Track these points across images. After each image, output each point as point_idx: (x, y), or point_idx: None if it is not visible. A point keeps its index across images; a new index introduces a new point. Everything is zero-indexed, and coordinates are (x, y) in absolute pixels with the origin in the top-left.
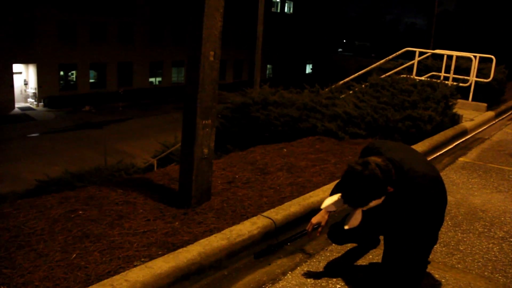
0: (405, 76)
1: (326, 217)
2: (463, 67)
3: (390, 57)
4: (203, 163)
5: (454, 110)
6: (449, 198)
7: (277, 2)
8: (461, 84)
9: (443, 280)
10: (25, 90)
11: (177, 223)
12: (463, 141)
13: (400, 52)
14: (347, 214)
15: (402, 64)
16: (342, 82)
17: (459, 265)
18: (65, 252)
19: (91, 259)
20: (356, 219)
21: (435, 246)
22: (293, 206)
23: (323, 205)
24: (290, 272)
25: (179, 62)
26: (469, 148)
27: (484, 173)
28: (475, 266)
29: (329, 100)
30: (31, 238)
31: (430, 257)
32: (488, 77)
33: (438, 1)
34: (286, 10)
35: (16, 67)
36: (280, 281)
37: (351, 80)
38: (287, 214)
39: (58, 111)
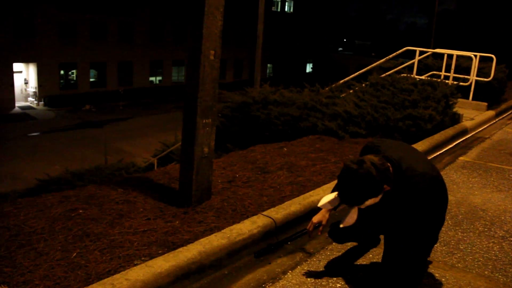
0: (405, 75)
1: (327, 216)
2: (463, 66)
3: (391, 56)
4: (203, 162)
5: (455, 109)
6: (449, 197)
7: (278, 1)
8: (461, 83)
9: (443, 279)
10: (25, 89)
11: (177, 222)
12: (463, 140)
13: (400, 51)
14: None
15: (403, 63)
16: (342, 81)
17: (459, 264)
18: (66, 251)
19: (91, 258)
20: (351, 217)
21: (436, 245)
22: (293, 205)
23: (320, 203)
24: (290, 271)
25: (180, 61)
26: (470, 147)
27: (484, 172)
28: (475, 265)
29: (330, 99)
30: (31, 237)
31: (430, 256)
32: (489, 76)
33: (439, 0)
34: (286, 9)
35: (17, 66)
36: (280, 280)
37: (352, 79)
38: (287, 213)
39: (59, 110)
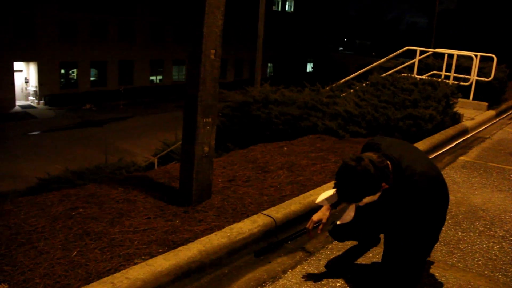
0: (406, 75)
1: (327, 213)
2: (464, 66)
3: (391, 55)
4: (203, 161)
5: (455, 109)
6: (449, 197)
7: (278, 1)
8: (462, 83)
9: (443, 279)
10: (26, 88)
11: (177, 221)
12: (463, 140)
13: (401, 51)
14: None
15: (403, 63)
16: (343, 80)
17: (459, 264)
18: (66, 250)
19: (91, 257)
20: (349, 215)
21: (436, 245)
22: (293, 205)
23: (318, 200)
24: (290, 270)
25: (180, 61)
26: (470, 147)
27: (484, 172)
28: (475, 265)
29: (330, 99)
30: (31, 235)
31: (431, 256)
32: (489, 76)
33: (439, 0)
34: (287, 9)
35: (17, 65)
36: (280, 279)
37: (352, 78)
38: (288, 212)
39: (59, 109)
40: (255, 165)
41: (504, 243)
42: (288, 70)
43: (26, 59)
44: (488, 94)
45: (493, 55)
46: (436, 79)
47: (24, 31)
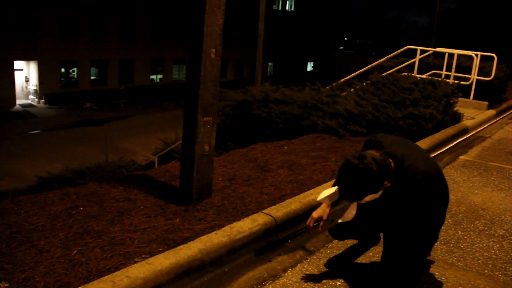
0: (406, 74)
1: (328, 210)
2: (464, 65)
3: (392, 55)
4: (204, 160)
5: (455, 109)
6: (449, 196)
7: (279, 0)
8: (462, 83)
9: (443, 278)
10: (26, 87)
11: (177, 219)
12: (464, 139)
13: (401, 50)
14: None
15: (404, 62)
16: (343, 80)
17: (459, 263)
18: (66, 248)
19: (92, 255)
20: (350, 213)
21: (436, 244)
22: (293, 204)
23: (319, 198)
24: (290, 269)
25: (180, 59)
26: (470, 147)
27: (484, 172)
28: (475, 264)
29: (330, 98)
30: (32, 234)
31: (431, 255)
32: (490, 75)
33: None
34: (287, 8)
35: (17, 64)
36: (280, 278)
37: (352, 78)
38: (288, 211)
39: (59, 108)
40: (255, 164)
41: (504, 242)
42: (288, 69)
43: (26, 58)
44: (489, 93)
45: (494, 55)
46: (436, 78)
47: (24, 30)
